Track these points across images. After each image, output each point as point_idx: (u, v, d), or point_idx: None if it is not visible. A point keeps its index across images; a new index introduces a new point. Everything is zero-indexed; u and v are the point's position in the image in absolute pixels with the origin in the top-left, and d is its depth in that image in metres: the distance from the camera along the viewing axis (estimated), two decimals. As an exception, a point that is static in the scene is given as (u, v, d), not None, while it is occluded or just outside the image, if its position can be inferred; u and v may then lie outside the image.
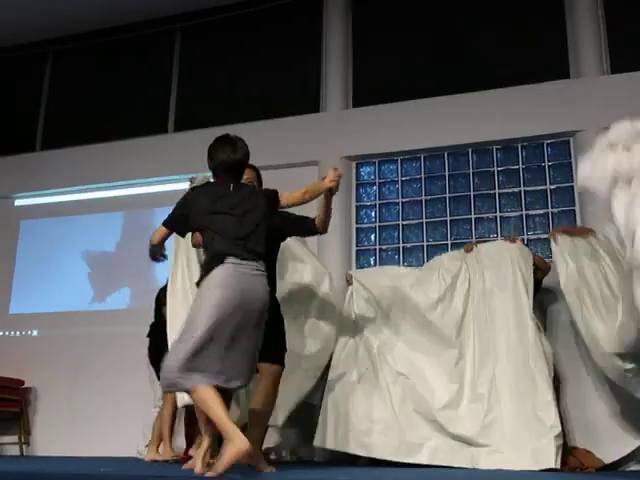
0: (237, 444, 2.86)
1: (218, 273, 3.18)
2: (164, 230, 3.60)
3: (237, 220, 3.31)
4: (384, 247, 6.46)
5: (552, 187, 6.13)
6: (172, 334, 4.01)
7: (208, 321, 3.08)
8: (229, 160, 3.54)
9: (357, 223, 6.59)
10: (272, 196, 3.51)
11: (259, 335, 3.28)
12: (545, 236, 5.84)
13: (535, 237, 6.04)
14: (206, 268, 3.24)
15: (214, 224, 3.32)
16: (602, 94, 5.95)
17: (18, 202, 7.91)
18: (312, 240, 6.45)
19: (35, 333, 7.27)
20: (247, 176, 3.92)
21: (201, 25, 7.85)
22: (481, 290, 4.72)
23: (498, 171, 6.33)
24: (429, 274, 4.91)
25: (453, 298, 4.75)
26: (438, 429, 4.43)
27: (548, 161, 6.19)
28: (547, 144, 6.22)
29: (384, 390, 4.65)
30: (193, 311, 3.18)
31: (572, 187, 6.00)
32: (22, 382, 6.80)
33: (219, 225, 3.31)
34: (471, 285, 4.76)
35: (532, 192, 6.18)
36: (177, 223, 3.58)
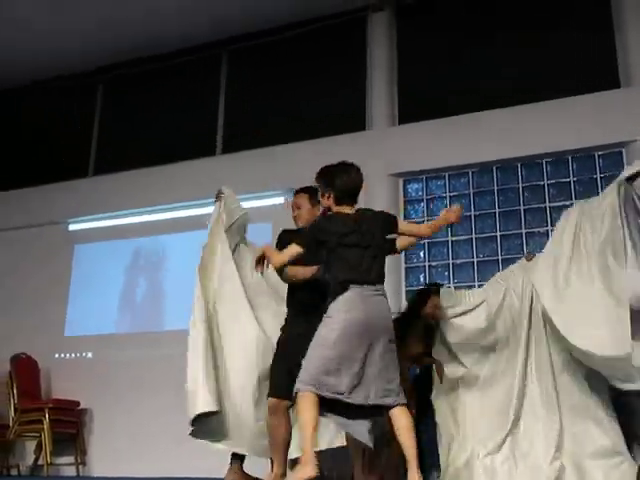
0: (306, 470, 2.91)
1: (343, 298, 3.21)
2: (296, 249, 3.40)
3: (362, 251, 3.34)
4: (434, 264, 6.41)
5: (605, 199, 5.99)
6: (192, 363, 4.03)
7: (337, 340, 3.09)
8: (353, 184, 3.60)
9: (406, 240, 6.54)
10: (393, 221, 3.52)
11: (390, 355, 3.23)
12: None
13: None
14: (332, 295, 3.25)
15: (344, 255, 3.32)
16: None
17: (72, 227, 8.09)
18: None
19: (90, 355, 7.39)
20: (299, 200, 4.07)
21: (246, 48, 7.96)
22: None
23: (548, 184, 6.23)
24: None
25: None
26: None
27: (600, 173, 6.07)
28: (599, 155, 6.11)
29: None
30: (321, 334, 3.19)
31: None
32: (78, 403, 6.92)
33: (349, 257, 3.31)
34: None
35: (584, 205, 6.06)
36: (312, 246, 3.44)
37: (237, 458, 4.11)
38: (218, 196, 4.55)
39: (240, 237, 4.65)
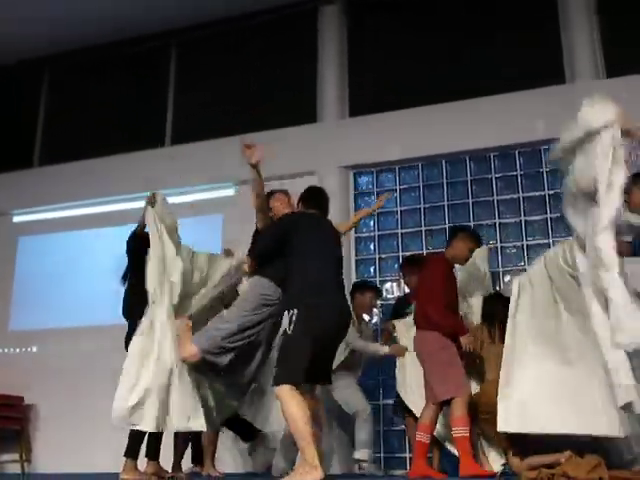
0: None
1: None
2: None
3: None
4: (384, 256, 6.45)
5: (550, 192, 6.11)
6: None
7: None
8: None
9: (356, 233, 6.58)
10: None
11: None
12: (544, 241, 5.88)
13: (535, 243, 6.03)
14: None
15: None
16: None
17: (16, 218, 7.90)
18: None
19: (35, 349, 7.24)
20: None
21: (195, 39, 7.88)
22: None
23: (496, 177, 6.33)
24: None
25: None
26: None
27: (545, 167, 6.19)
28: (544, 149, 6.22)
29: None
30: None
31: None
32: (22, 399, 6.77)
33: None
34: None
35: (530, 198, 6.18)
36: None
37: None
38: (151, 201, 4.39)
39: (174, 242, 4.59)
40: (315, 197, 4.17)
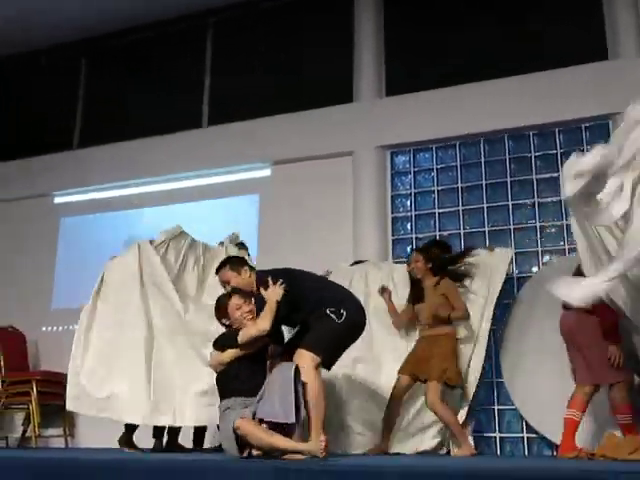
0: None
1: None
2: None
3: None
4: (420, 236, 6.41)
5: (591, 171, 6.00)
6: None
7: None
8: None
9: (393, 212, 6.56)
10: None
11: None
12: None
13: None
14: None
15: None
16: (640, 75, 5.82)
17: (57, 199, 8.04)
18: (348, 230, 6.47)
19: (77, 328, 7.36)
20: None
21: (232, 19, 7.88)
22: None
23: (535, 156, 6.24)
24: None
25: None
26: None
27: (587, 145, 6.08)
28: (585, 127, 6.11)
29: None
30: None
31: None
32: (65, 376, 6.89)
33: None
34: None
35: (571, 177, 6.07)
36: None
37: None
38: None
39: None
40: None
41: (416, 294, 5.09)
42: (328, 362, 3.94)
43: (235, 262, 4.28)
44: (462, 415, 4.89)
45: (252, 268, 4.29)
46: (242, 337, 3.70)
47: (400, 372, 4.87)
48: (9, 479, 2.87)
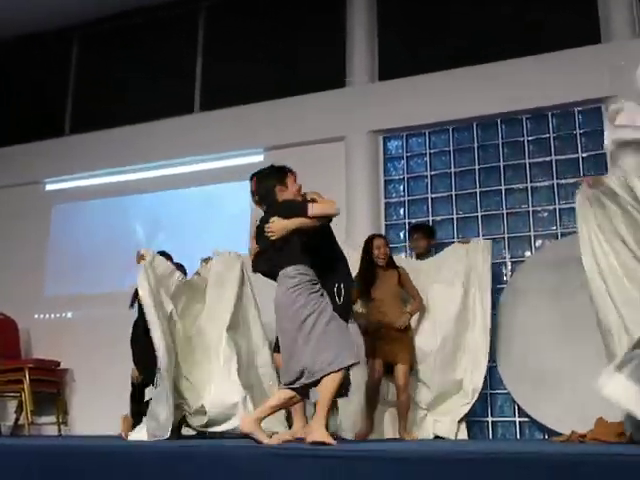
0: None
1: None
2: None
3: None
4: (413, 221, 6.40)
5: (584, 155, 6.00)
6: None
7: None
8: None
9: (386, 198, 6.55)
10: None
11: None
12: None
13: (567, 206, 5.93)
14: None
15: None
16: (634, 58, 5.79)
17: (49, 186, 8.00)
18: (341, 215, 6.44)
19: (70, 315, 7.37)
20: None
21: (223, 3, 7.82)
22: None
23: (528, 140, 6.22)
24: None
25: None
26: None
27: (579, 129, 6.07)
28: (578, 111, 6.09)
29: None
30: None
31: (604, 155, 5.87)
32: (58, 363, 6.91)
33: None
34: None
35: (563, 161, 6.07)
36: None
37: None
38: (139, 260, 4.93)
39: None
40: None
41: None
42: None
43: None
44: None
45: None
46: (316, 210, 3.65)
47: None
48: (2, 467, 2.87)
